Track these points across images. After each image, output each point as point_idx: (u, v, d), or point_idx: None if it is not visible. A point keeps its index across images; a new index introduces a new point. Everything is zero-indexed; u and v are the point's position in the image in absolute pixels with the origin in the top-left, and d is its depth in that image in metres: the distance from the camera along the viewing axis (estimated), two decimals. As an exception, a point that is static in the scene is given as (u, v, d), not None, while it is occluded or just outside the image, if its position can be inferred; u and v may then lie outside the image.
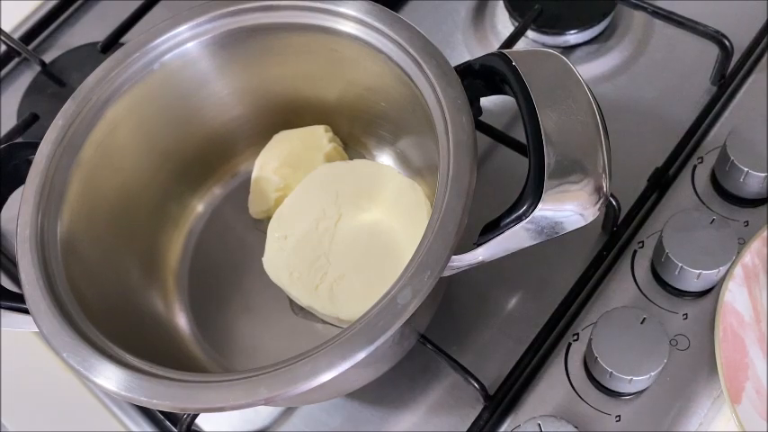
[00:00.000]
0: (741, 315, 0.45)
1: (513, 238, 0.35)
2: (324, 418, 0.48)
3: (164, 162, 0.50)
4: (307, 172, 0.50)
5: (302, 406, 0.48)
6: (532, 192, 0.34)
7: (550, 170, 0.34)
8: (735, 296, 0.45)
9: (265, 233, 0.48)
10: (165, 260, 0.52)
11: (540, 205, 0.34)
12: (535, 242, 0.35)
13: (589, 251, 0.50)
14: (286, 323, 0.49)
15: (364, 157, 0.54)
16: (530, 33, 0.59)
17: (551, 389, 0.46)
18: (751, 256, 0.46)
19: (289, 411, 0.49)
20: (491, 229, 0.35)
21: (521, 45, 0.58)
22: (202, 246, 0.53)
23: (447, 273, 0.36)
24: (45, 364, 0.52)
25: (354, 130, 0.53)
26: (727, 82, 0.54)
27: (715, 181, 0.50)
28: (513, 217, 0.34)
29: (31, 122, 0.63)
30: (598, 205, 0.34)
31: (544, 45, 0.60)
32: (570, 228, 0.35)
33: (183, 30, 0.46)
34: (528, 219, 0.34)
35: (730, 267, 0.45)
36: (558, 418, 0.42)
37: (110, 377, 0.35)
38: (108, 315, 0.41)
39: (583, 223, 0.35)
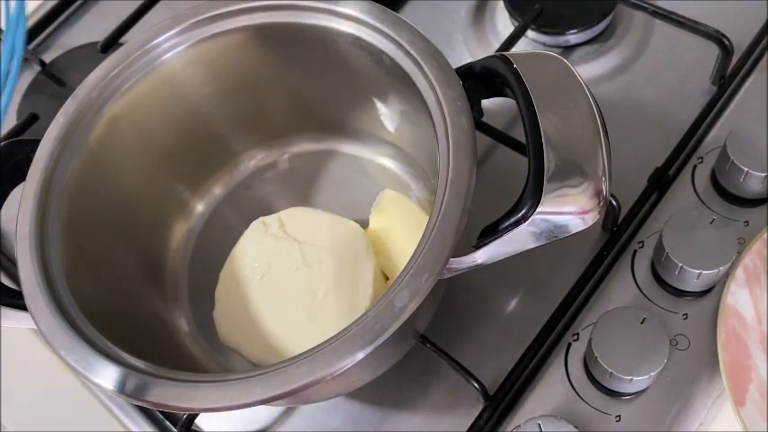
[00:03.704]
0: (743, 317, 0.45)
1: (512, 242, 0.35)
2: (324, 418, 0.48)
3: (164, 161, 0.50)
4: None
5: (302, 406, 0.48)
6: (532, 195, 0.34)
7: (550, 173, 0.34)
8: (736, 298, 0.45)
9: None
10: (164, 259, 0.52)
11: (539, 209, 0.33)
12: (534, 245, 0.35)
13: (589, 251, 0.50)
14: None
15: (359, 158, 0.54)
16: (530, 33, 0.59)
17: (551, 389, 0.46)
18: (752, 257, 0.46)
19: (289, 411, 0.49)
20: (490, 232, 0.35)
21: (521, 45, 0.58)
22: (202, 245, 0.53)
23: (445, 275, 0.36)
24: (45, 363, 0.52)
25: (354, 130, 0.53)
26: (727, 82, 0.54)
27: (715, 181, 0.50)
28: (512, 220, 0.34)
29: (31, 122, 0.63)
30: (598, 209, 0.34)
31: (544, 45, 0.60)
32: (570, 231, 0.35)
33: (183, 29, 0.46)
34: (527, 222, 0.34)
35: (731, 269, 0.45)
36: (558, 418, 0.42)
37: (108, 376, 0.35)
38: (107, 313, 0.41)
39: (583, 227, 0.35)
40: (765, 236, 0.46)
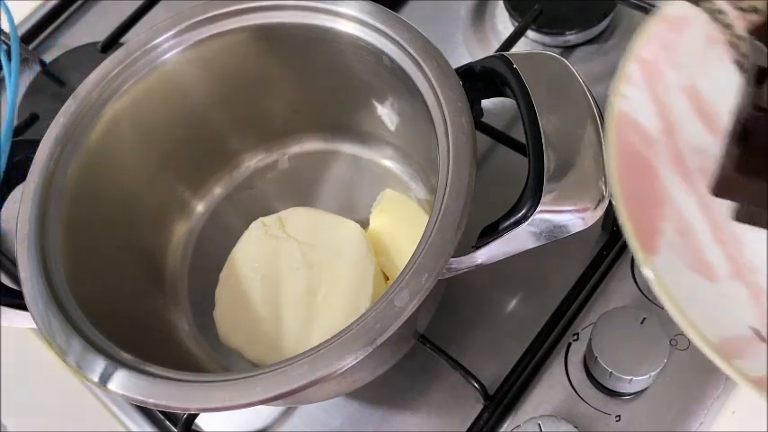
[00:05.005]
0: (644, 129, 0.33)
1: (512, 242, 0.35)
2: (324, 418, 0.48)
3: (164, 161, 0.50)
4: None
5: (302, 406, 0.48)
6: (531, 195, 0.34)
7: (550, 173, 0.34)
8: (633, 104, 0.33)
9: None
10: (164, 260, 0.52)
11: (539, 208, 0.34)
12: (534, 245, 0.35)
13: (589, 251, 0.50)
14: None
15: (359, 158, 0.54)
16: (530, 33, 0.59)
17: (551, 389, 0.46)
18: (650, 46, 0.33)
19: (289, 411, 0.49)
20: (490, 232, 0.35)
21: (521, 45, 0.58)
22: (202, 246, 0.53)
23: (445, 275, 0.36)
24: (45, 363, 0.52)
25: (354, 130, 0.53)
26: (727, 82, 0.54)
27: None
28: (512, 220, 0.34)
29: (31, 122, 0.63)
30: (598, 209, 0.34)
31: (544, 45, 0.60)
32: (569, 231, 0.35)
33: (183, 29, 0.46)
34: (527, 222, 0.34)
35: (622, 66, 0.33)
36: (558, 418, 0.42)
37: (108, 376, 0.35)
38: (107, 313, 0.41)
39: (582, 227, 0.35)
40: (669, 13, 0.34)
